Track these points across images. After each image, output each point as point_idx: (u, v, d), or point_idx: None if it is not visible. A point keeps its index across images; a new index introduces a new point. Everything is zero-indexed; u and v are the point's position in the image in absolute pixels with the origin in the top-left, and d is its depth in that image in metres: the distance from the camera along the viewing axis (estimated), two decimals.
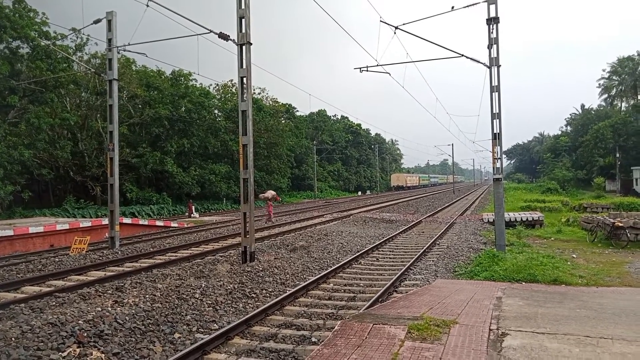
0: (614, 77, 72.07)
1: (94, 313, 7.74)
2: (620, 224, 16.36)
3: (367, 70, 17.85)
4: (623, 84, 69.89)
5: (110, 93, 17.41)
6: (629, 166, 57.18)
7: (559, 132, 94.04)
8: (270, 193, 27.51)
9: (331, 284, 11.12)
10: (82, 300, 9.05)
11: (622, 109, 72.42)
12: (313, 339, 7.26)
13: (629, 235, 16.14)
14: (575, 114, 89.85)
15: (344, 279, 11.76)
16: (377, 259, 14.32)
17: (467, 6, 14.72)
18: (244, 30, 13.32)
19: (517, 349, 5.43)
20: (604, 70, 74.11)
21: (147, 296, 8.94)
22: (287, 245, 16.09)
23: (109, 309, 8.10)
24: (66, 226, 20.35)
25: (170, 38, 17.57)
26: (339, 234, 19.61)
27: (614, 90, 73.16)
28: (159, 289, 9.55)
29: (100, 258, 14.79)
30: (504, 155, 15.05)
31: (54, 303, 8.98)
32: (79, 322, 7.30)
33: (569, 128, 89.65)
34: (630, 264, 12.85)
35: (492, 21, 14.24)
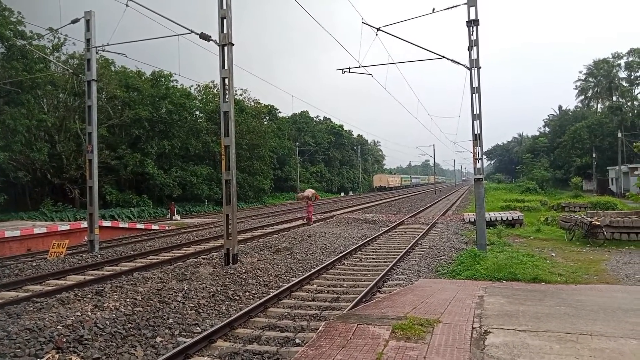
0: (590, 79, 73.69)
1: (73, 318, 7.59)
2: (597, 223, 16.71)
3: (349, 72, 17.90)
4: (598, 85, 71.52)
5: (89, 94, 17.11)
6: (605, 166, 58.53)
7: (538, 133, 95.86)
8: (309, 192, 25.53)
9: (315, 285, 11.11)
10: (60, 305, 8.86)
11: (598, 110, 74.07)
12: (297, 341, 7.24)
13: (605, 233, 16.48)
14: (553, 115, 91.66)
15: (328, 280, 11.76)
16: (361, 260, 14.36)
17: (448, 8, 14.87)
18: (225, 31, 13.24)
19: (500, 346, 5.50)
20: (580, 72, 75.82)
21: (128, 300, 8.80)
22: (271, 247, 16.02)
23: (89, 313, 7.95)
24: (44, 230, 19.94)
25: (151, 38, 17.42)
26: (322, 235, 19.61)
27: (590, 91, 74.81)
28: (140, 292, 9.41)
29: (80, 262, 14.53)
30: (484, 156, 15.23)
31: (31, 308, 8.77)
32: (58, 327, 7.15)
33: (547, 129, 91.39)
34: (607, 262, 13.13)
35: (472, 23, 14.39)
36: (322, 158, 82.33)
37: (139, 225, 25.53)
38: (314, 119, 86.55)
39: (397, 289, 9.94)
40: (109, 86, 35.70)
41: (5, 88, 27.90)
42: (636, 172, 42.06)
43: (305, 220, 24.67)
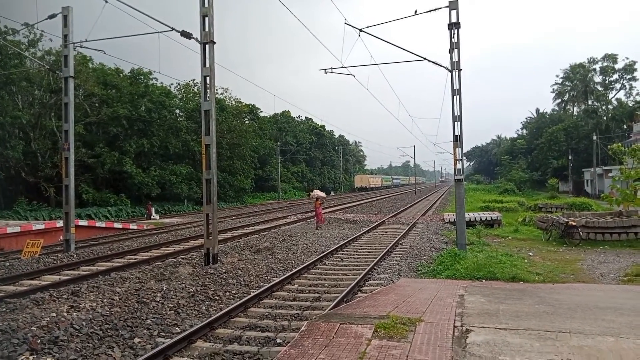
0: (566, 83, 75.25)
1: (48, 319, 7.38)
2: (574, 223, 17.05)
3: (331, 72, 17.88)
4: (575, 89, 73.07)
5: (65, 91, 16.74)
6: (580, 168, 59.92)
7: (516, 135, 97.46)
8: (321, 192, 24.50)
9: (296, 285, 11.06)
10: (35, 306, 8.62)
11: (574, 113, 75.71)
12: (278, 340, 7.18)
13: (581, 233, 16.83)
14: (530, 117, 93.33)
15: (309, 279, 11.72)
16: (342, 259, 14.35)
17: (430, 11, 14.96)
18: (207, 29, 13.10)
19: (481, 344, 5.53)
20: (557, 76, 77.35)
21: (105, 300, 8.62)
22: (251, 247, 15.91)
23: (65, 314, 7.75)
24: (17, 229, 19.44)
25: (130, 35, 17.13)
26: (304, 235, 19.56)
27: (567, 95, 76.38)
28: (118, 292, 9.22)
29: (55, 262, 14.19)
30: (464, 157, 15.39)
31: (4, 309, 8.50)
32: (32, 328, 6.95)
33: (525, 131, 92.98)
34: (582, 261, 13.40)
35: (454, 26, 14.52)
36: (303, 158, 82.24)
37: (116, 225, 25.10)
38: (296, 118, 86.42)
39: (379, 288, 9.95)
40: (87, 83, 35.02)
41: None
42: (610, 174, 43.12)
43: (316, 222, 23.18)
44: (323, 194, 24.15)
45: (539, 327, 6.20)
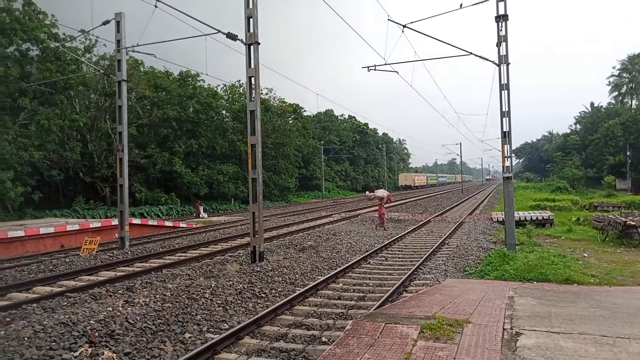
0: (624, 75, 71.41)
1: (105, 313, 7.76)
2: (633, 223, 16.17)
3: (375, 69, 17.77)
4: (633, 81, 69.25)
5: (119, 94, 17.48)
6: None
7: (569, 131, 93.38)
8: (382, 192, 22.37)
9: (340, 284, 11.09)
10: (93, 300, 9.08)
11: (633, 106, 71.72)
12: (323, 339, 7.23)
13: None
14: (584, 112, 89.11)
15: (353, 278, 11.72)
16: (386, 259, 14.26)
17: (476, 4, 14.62)
18: (251, 30, 13.32)
19: (532, 348, 5.36)
20: (614, 68, 73.54)
21: (158, 296, 8.95)
22: (296, 245, 16.06)
23: (120, 308, 8.12)
24: (76, 227, 20.47)
25: (179, 39, 17.59)
26: (348, 234, 19.56)
27: (624, 87, 72.50)
28: (169, 288, 9.55)
29: (111, 258, 14.86)
30: (513, 154, 14.92)
31: (65, 303, 9.02)
32: (91, 322, 7.32)
33: (578, 126, 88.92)
34: None
35: (501, 18, 14.12)
36: (346, 156, 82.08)
37: (167, 223, 25.93)
38: (339, 117, 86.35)
39: (424, 288, 9.83)
40: (139, 86, 36.39)
41: (39, 89, 28.76)
42: None
43: (377, 225, 21.87)
44: (384, 193, 21.92)
45: (595, 332, 5.94)
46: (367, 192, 23.06)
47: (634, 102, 72.67)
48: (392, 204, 41.68)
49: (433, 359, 5.11)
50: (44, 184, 32.19)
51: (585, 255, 14.16)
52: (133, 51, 17.46)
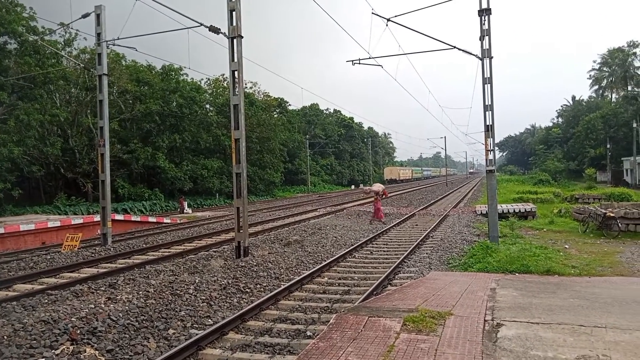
0: (604, 69, 72.57)
1: (87, 310, 7.67)
2: (612, 215, 16.48)
3: (359, 63, 17.78)
4: (613, 75, 70.39)
5: (100, 88, 17.22)
6: (619, 157, 57.75)
7: (551, 124, 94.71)
8: (378, 186, 22.43)
9: (326, 278, 11.12)
10: (74, 298, 8.98)
11: (613, 100, 72.96)
12: (308, 333, 7.25)
13: (620, 225, 16.26)
14: (566, 105, 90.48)
15: (339, 272, 11.76)
16: (371, 252, 14.34)
17: None
18: (234, 23, 13.21)
19: (513, 338, 5.45)
20: (594, 62, 74.70)
21: (141, 292, 8.88)
22: (281, 240, 16.06)
23: (102, 305, 8.03)
24: (58, 223, 20.20)
25: (160, 32, 17.32)
26: (333, 228, 19.61)
27: (605, 81, 73.69)
28: (153, 285, 9.48)
29: (93, 255, 14.69)
30: (496, 148, 15.08)
31: (46, 301, 8.90)
32: (72, 319, 7.23)
33: (560, 120, 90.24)
34: (621, 254, 12.95)
35: (484, 12, 14.19)
36: (332, 151, 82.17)
37: (151, 219, 25.73)
38: (324, 111, 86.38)
39: (409, 281, 9.90)
40: (120, 80, 35.89)
41: (18, 83, 28.20)
42: None
43: (371, 218, 21.78)
44: (379, 187, 21.84)
45: (573, 322, 6.06)
46: (363, 187, 23.09)
47: (613, 95, 73.90)
48: None
49: (415, 351, 5.16)
50: (24, 180, 31.64)
51: (567, 246, 14.40)
52: (114, 45, 17.15)
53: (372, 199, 22.18)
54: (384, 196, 23.47)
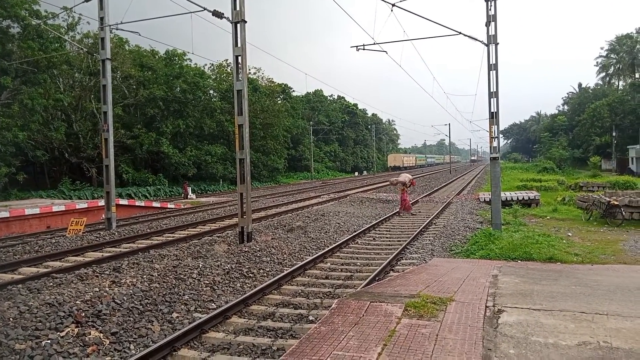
0: (611, 56, 71.78)
1: (91, 293, 7.75)
2: (616, 203, 16.42)
3: (363, 49, 17.64)
4: (621, 62, 69.68)
5: (103, 73, 17.15)
6: (625, 145, 57.34)
7: (556, 112, 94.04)
8: (405, 177, 20.89)
9: (328, 263, 11.17)
10: (79, 281, 9.07)
11: (620, 87, 72.28)
12: (310, 317, 7.31)
13: (623, 213, 16.20)
14: (572, 92, 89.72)
15: (341, 258, 11.81)
16: (374, 239, 14.37)
17: None
18: (238, 8, 13.10)
19: (513, 325, 5.47)
20: (602, 49, 73.89)
21: (145, 276, 8.95)
22: (285, 226, 16.11)
23: (107, 289, 8.11)
24: (62, 208, 20.30)
25: (164, 16, 17.23)
26: (336, 214, 19.64)
27: (612, 68, 72.99)
28: (157, 269, 9.56)
29: (97, 239, 14.79)
30: (500, 135, 14.99)
31: (51, 284, 9.00)
32: (77, 302, 7.31)
33: (566, 107, 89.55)
34: (624, 242, 12.93)
35: None
36: (336, 137, 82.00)
37: (155, 204, 25.81)
38: (328, 97, 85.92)
39: (411, 267, 9.94)
40: (124, 65, 35.76)
41: (22, 67, 28.12)
42: None
43: (399, 209, 20.36)
44: (406, 178, 20.56)
45: (575, 309, 6.07)
46: (391, 179, 22.12)
47: (620, 83, 73.21)
48: (380, 184, 41.89)
49: (416, 336, 5.19)
50: (28, 165, 31.79)
51: (570, 234, 14.39)
52: (117, 29, 17.05)
53: (400, 190, 20.91)
54: (411, 186, 22.49)
